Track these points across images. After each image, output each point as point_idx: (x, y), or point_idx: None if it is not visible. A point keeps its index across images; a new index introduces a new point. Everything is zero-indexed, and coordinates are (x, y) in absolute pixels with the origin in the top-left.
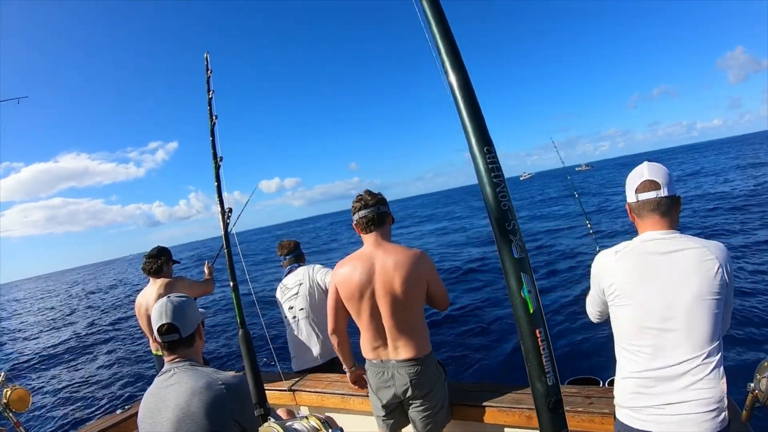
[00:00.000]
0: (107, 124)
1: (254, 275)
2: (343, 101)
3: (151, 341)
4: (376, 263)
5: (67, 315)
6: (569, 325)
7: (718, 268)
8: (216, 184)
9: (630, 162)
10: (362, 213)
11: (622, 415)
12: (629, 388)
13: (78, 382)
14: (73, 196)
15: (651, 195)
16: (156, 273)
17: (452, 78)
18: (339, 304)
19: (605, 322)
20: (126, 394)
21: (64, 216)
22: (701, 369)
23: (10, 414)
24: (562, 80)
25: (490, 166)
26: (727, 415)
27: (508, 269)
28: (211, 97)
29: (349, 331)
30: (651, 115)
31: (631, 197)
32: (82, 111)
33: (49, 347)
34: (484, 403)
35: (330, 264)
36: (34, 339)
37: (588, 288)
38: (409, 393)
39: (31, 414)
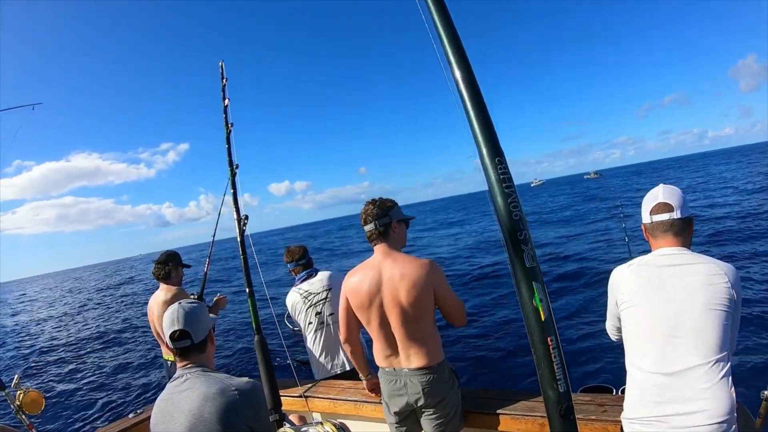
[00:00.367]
0: (119, 125)
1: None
2: (355, 105)
3: (162, 346)
4: (383, 273)
5: (79, 315)
6: (583, 333)
7: (727, 284)
8: (232, 191)
9: (640, 170)
10: (366, 228)
11: (629, 427)
12: (636, 399)
13: (91, 385)
14: (84, 195)
15: (665, 216)
16: (165, 279)
17: (464, 92)
18: (350, 313)
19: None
20: (139, 398)
21: (75, 215)
22: (709, 377)
23: (23, 416)
24: (572, 88)
25: (501, 176)
26: (737, 428)
27: (520, 278)
28: (227, 105)
29: (366, 336)
30: (662, 123)
31: (646, 218)
32: (94, 111)
33: (61, 348)
34: (498, 411)
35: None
36: (46, 339)
37: (606, 305)
38: (421, 401)
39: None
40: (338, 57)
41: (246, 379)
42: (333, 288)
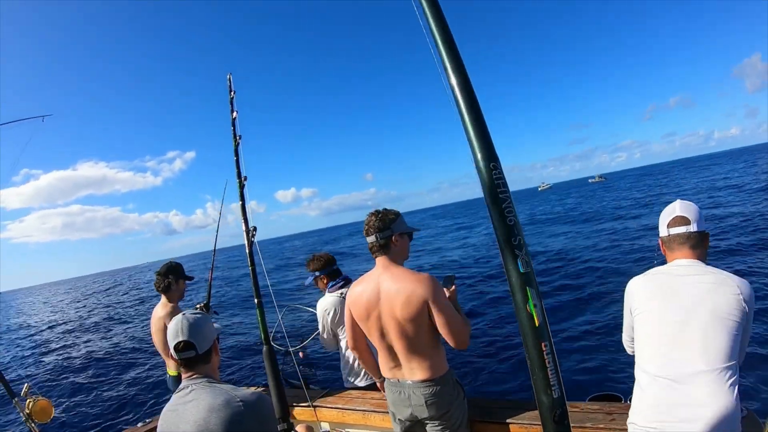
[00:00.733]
0: (126, 134)
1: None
2: (360, 112)
3: (166, 360)
4: (381, 287)
5: (87, 324)
6: (593, 342)
7: (739, 296)
8: (240, 203)
9: (647, 172)
10: (368, 240)
11: (633, 430)
12: (641, 402)
13: (100, 394)
14: (91, 203)
15: (681, 230)
16: (165, 291)
17: (460, 98)
18: (354, 323)
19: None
20: (149, 408)
21: (82, 223)
22: (714, 384)
23: (33, 425)
24: (577, 92)
25: (496, 181)
26: None
27: (515, 283)
28: (235, 118)
29: None
30: (667, 126)
31: (663, 231)
32: (100, 120)
33: (71, 358)
34: (507, 420)
35: None
36: (55, 349)
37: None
38: (425, 414)
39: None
40: (344, 61)
41: (252, 390)
42: None
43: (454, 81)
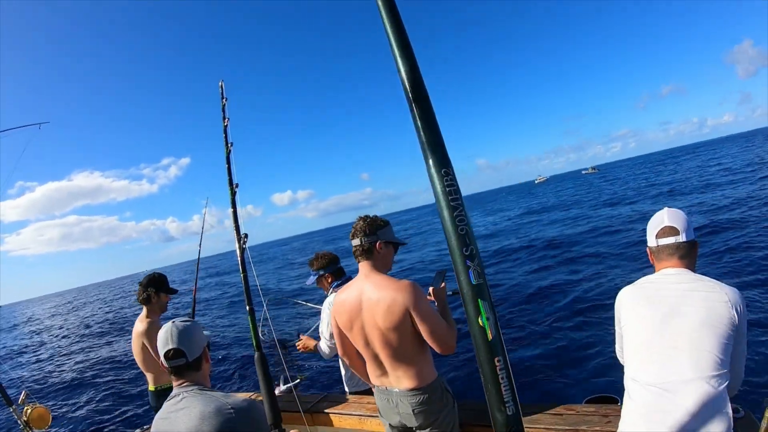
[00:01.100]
0: (120, 142)
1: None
2: (354, 111)
3: (146, 375)
4: (363, 296)
5: (84, 333)
6: (592, 341)
7: (728, 304)
8: (232, 210)
9: (642, 162)
10: (352, 243)
11: None
12: (630, 411)
13: (97, 403)
14: (88, 213)
15: (670, 240)
16: (145, 302)
17: (413, 102)
18: (340, 330)
19: None
20: (146, 416)
21: (79, 233)
22: (703, 392)
23: None
24: (569, 83)
25: (447, 189)
26: None
27: (466, 295)
28: (227, 125)
29: None
30: (661, 114)
31: (651, 242)
32: (94, 129)
33: (68, 367)
34: None
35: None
36: (53, 358)
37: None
38: (413, 422)
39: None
40: (336, 61)
41: (243, 396)
42: None
43: (407, 85)
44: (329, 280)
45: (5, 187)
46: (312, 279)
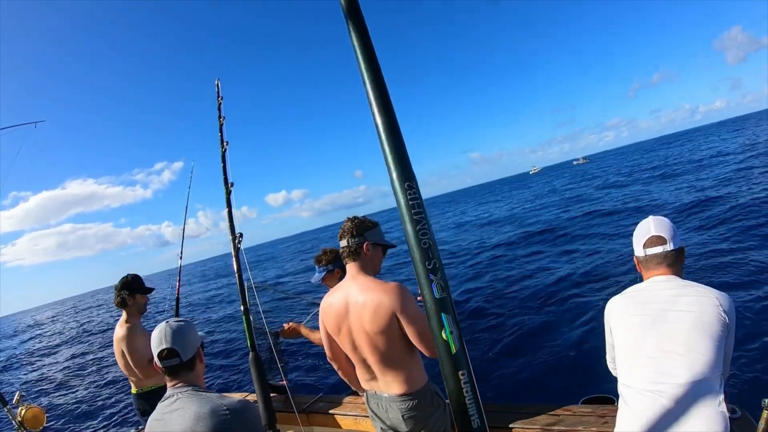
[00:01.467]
0: (112, 149)
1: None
2: (345, 108)
3: (129, 377)
4: (349, 299)
5: (81, 338)
6: (589, 340)
7: (718, 308)
8: (227, 209)
9: (635, 150)
10: (340, 243)
11: None
12: (627, 418)
13: (91, 404)
14: (82, 221)
15: (658, 250)
16: (121, 305)
17: (377, 114)
18: (328, 334)
19: None
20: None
21: (74, 241)
22: (698, 396)
23: None
24: (560, 74)
25: (411, 202)
26: None
27: (429, 309)
28: (222, 123)
29: None
30: (653, 102)
31: (639, 251)
32: (86, 137)
33: (63, 369)
34: (499, 425)
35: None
36: (48, 359)
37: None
38: (403, 428)
39: None
40: (324, 58)
41: (238, 397)
42: None
43: (372, 96)
44: (339, 276)
45: (3, 189)
46: (319, 276)
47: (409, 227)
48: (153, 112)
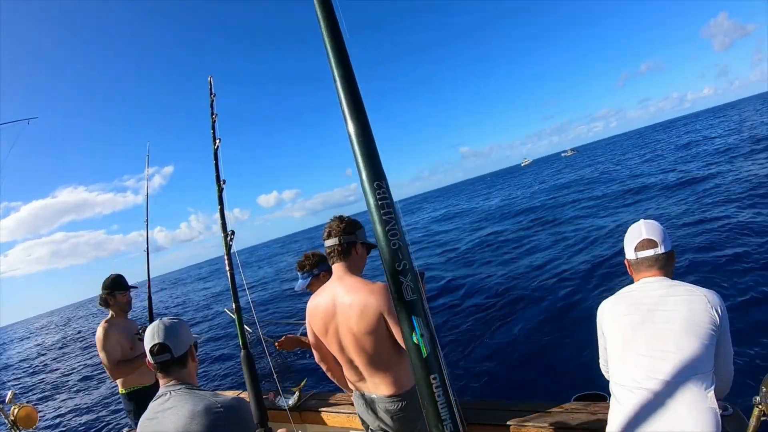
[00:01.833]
0: (101, 155)
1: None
2: (334, 105)
3: (115, 376)
4: (336, 300)
5: (77, 343)
6: (582, 338)
7: (708, 305)
8: (219, 207)
9: (623, 140)
10: (327, 243)
11: None
12: (619, 417)
13: (85, 403)
14: (74, 229)
15: (649, 253)
16: (104, 305)
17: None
18: (315, 336)
19: None
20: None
21: (68, 250)
22: (691, 394)
23: (17, 431)
24: (548, 66)
25: (380, 202)
26: None
27: (400, 312)
28: (215, 120)
29: None
30: (641, 92)
31: (630, 255)
32: (75, 144)
33: (57, 371)
34: (491, 423)
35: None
36: (42, 363)
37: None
38: (392, 429)
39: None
40: (310, 55)
41: (232, 395)
42: None
43: (342, 93)
44: (325, 279)
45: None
46: (303, 283)
47: (378, 228)
48: (141, 118)
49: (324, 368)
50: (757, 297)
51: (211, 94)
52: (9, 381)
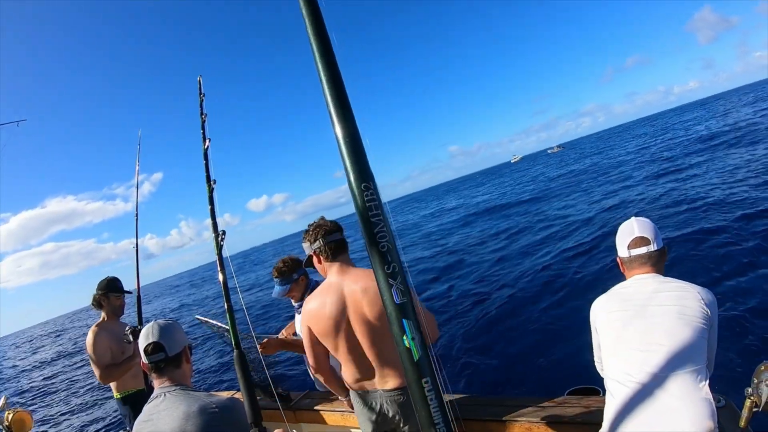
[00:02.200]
0: (90, 164)
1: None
2: (323, 106)
3: (108, 380)
4: (345, 292)
5: (71, 350)
6: (577, 331)
7: (700, 301)
8: (210, 207)
9: (612, 134)
10: (330, 238)
11: None
12: (614, 411)
13: (79, 407)
14: (64, 239)
15: (642, 250)
16: (97, 307)
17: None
18: (315, 343)
19: None
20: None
21: (58, 260)
22: (685, 387)
23: None
24: (534, 63)
25: (368, 204)
26: None
27: (390, 315)
28: (204, 120)
29: None
30: (627, 86)
31: (623, 252)
32: (63, 152)
33: (51, 375)
34: (486, 418)
35: None
36: (35, 369)
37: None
38: (398, 423)
39: None
40: (295, 55)
41: (226, 396)
42: None
43: (329, 95)
44: (304, 283)
45: None
46: (282, 289)
47: (366, 230)
48: (128, 125)
49: (322, 379)
50: (749, 287)
51: (200, 93)
52: (6, 390)
